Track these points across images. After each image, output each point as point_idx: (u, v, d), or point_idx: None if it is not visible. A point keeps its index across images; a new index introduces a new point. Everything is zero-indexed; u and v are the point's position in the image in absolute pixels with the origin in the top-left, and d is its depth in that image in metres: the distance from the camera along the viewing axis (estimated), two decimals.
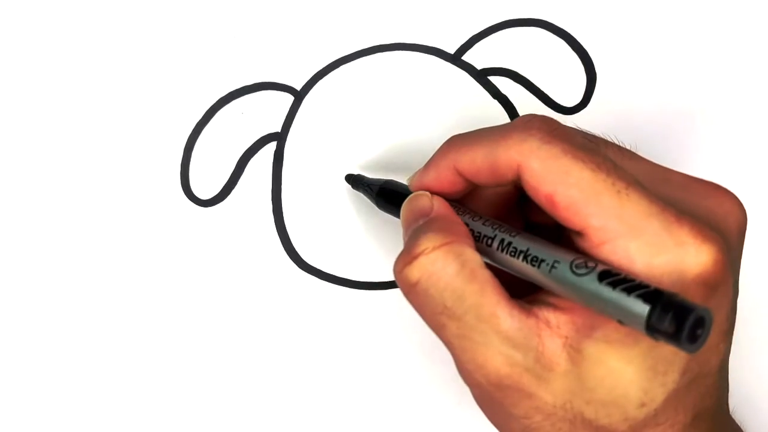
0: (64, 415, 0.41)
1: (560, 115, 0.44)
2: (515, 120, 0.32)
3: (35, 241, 0.42)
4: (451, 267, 0.30)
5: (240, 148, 0.43)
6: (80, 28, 0.43)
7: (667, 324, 0.25)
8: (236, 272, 0.43)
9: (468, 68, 0.44)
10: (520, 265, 0.30)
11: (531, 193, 0.30)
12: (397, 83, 0.44)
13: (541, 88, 0.45)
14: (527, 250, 0.30)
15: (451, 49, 0.44)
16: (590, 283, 0.27)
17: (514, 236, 0.31)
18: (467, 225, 0.33)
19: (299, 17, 0.44)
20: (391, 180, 0.39)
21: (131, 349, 0.42)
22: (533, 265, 0.29)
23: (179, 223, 0.42)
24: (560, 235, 0.31)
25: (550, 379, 0.29)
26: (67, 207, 0.42)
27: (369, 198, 0.40)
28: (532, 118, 0.31)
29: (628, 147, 0.33)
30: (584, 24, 0.45)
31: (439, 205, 0.34)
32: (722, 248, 0.28)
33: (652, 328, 0.25)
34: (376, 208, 0.39)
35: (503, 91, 0.44)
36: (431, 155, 0.35)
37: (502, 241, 0.31)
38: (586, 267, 0.28)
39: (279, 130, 0.43)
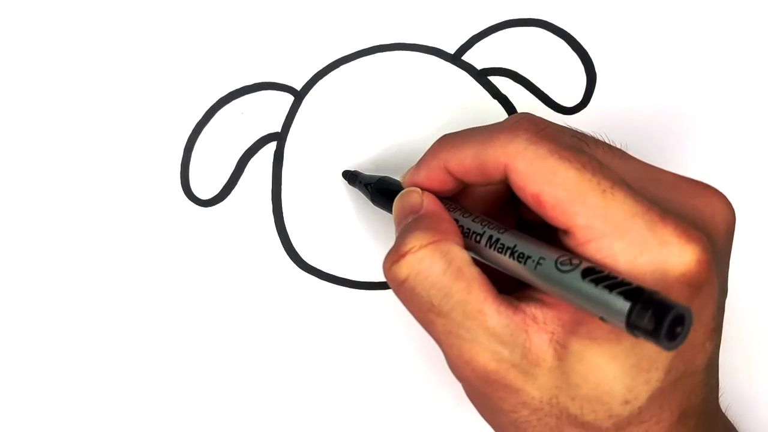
0: (64, 415, 0.42)
1: (560, 115, 0.44)
2: (504, 120, 0.32)
3: (35, 241, 0.42)
4: (438, 265, 0.30)
5: (240, 148, 0.43)
6: (80, 29, 0.43)
7: (646, 321, 0.25)
8: (236, 272, 0.43)
9: (468, 68, 0.44)
10: (507, 261, 0.30)
11: (518, 192, 0.30)
12: (397, 83, 0.44)
13: (541, 88, 0.45)
14: (514, 246, 0.30)
15: (451, 49, 0.44)
16: (574, 279, 0.28)
17: (502, 233, 0.31)
18: (457, 222, 0.33)
19: (299, 17, 0.44)
20: (386, 177, 0.39)
21: (131, 348, 0.42)
22: (519, 262, 0.30)
23: (179, 223, 0.43)
24: (550, 232, 0.31)
25: (537, 374, 0.30)
26: (67, 207, 0.42)
27: (364, 194, 0.40)
28: (521, 118, 0.31)
29: (619, 146, 0.33)
30: (584, 24, 0.45)
31: (429, 202, 0.34)
32: (706, 248, 0.28)
33: (632, 325, 0.25)
34: (376, 207, 0.40)
35: (503, 91, 0.44)
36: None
37: (491, 237, 0.31)
38: (571, 264, 0.28)
39: (279, 130, 0.43)
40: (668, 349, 0.25)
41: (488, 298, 0.30)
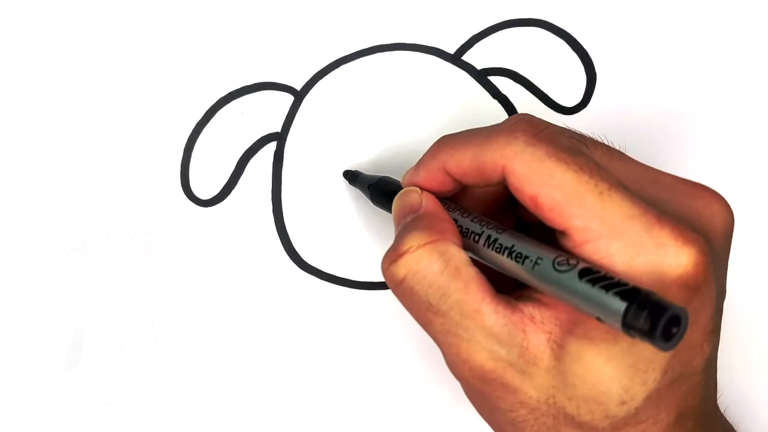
0: (64, 414, 0.42)
1: (560, 115, 0.44)
2: (503, 121, 0.32)
3: (35, 241, 0.42)
4: (435, 265, 0.31)
5: (240, 148, 0.43)
6: (80, 29, 0.43)
7: (642, 321, 0.25)
8: (236, 272, 0.43)
9: (468, 68, 0.44)
10: (504, 261, 0.31)
11: (516, 194, 0.30)
12: (397, 83, 0.44)
13: (541, 88, 0.45)
14: (512, 246, 0.30)
15: (451, 49, 0.44)
16: (570, 279, 0.28)
17: (500, 233, 0.31)
18: (456, 221, 0.33)
19: (299, 17, 0.44)
20: (387, 177, 0.39)
21: (131, 349, 0.42)
22: (517, 262, 0.30)
23: (179, 223, 0.43)
24: (548, 234, 0.31)
25: (534, 374, 0.30)
26: (67, 207, 0.42)
27: (365, 194, 0.40)
28: (519, 120, 0.31)
29: (617, 147, 0.33)
30: (584, 24, 0.45)
31: (428, 202, 0.34)
32: (704, 250, 0.28)
33: (627, 325, 0.25)
34: (376, 207, 0.40)
35: (503, 91, 0.44)
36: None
37: (489, 237, 0.31)
38: (568, 264, 0.28)
39: (279, 130, 0.44)
40: (664, 349, 0.25)
41: (486, 298, 0.30)
